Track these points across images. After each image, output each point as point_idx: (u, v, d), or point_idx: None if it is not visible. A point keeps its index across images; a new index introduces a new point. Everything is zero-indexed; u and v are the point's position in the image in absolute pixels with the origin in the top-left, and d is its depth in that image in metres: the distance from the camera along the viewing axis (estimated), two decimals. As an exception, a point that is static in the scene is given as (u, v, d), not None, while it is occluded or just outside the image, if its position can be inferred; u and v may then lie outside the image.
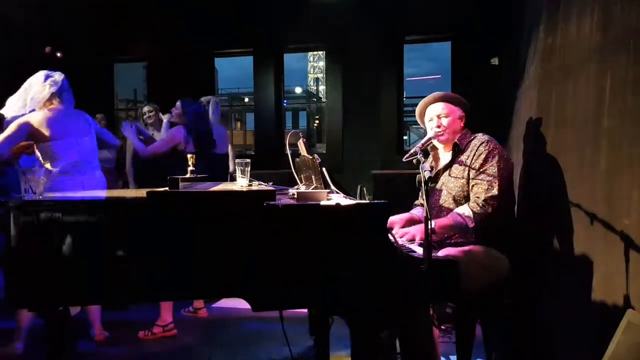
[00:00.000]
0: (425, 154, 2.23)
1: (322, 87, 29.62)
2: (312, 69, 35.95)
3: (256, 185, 1.92)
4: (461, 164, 2.10)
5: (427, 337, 1.93)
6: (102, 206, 1.75)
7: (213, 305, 3.73)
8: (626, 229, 1.39)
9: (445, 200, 2.13)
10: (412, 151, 1.91)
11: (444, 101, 2.19)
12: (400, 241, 1.83)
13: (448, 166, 2.16)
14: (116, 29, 6.23)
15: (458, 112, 2.19)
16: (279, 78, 6.47)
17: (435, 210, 2.14)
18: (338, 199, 1.73)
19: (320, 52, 13.92)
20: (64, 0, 5.53)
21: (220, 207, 1.57)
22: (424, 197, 1.62)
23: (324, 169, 1.70)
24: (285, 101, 7.24)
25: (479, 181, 2.03)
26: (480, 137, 2.13)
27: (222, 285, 1.58)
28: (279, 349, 2.73)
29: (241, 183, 1.86)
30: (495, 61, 4.92)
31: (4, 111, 2.70)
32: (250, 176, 1.89)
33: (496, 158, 2.04)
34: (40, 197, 1.61)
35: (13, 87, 2.75)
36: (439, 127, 2.14)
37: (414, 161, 1.82)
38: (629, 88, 1.42)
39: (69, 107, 2.78)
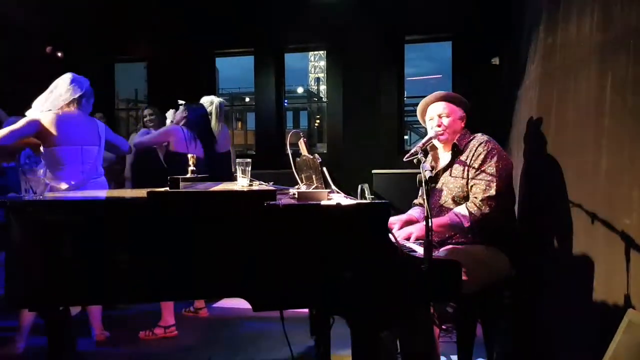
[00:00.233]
0: (426, 154, 2.23)
1: (323, 87, 29.63)
2: (313, 69, 35.95)
3: (257, 185, 1.92)
4: (461, 164, 2.10)
5: (427, 337, 1.93)
6: (103, 206, 1.75)
7: (214, 305, 3.73)
8: (627, 228, 1.39)
9: (446, 200, 2.13)
10: (412, 151, 1.91)
11: (446, 101, 2.19)
12: (400, 241, 1.83)
13: (448, 166, 2.16)
14: (117, 29, 6.23)
15: (459, 112, 2.19)
16: (279, 78, 6.47)
17: (436, 210, 2.14)
18: (339, 198, 1.73)
19: (321, 52, 13.93)
20: (65, 0, 5.54)
21: (220, 207, 1.57)
22: (425, 197, 1.62)
23: (324, 168, 1.70)
24: (286, 101, 7.24)
25: (477, 181, 2.03)
26: (480, 137, 2.13)
27: (222, 285, 1.58)
28: (280, 349, 2.73)
29: (242, 183, 1.86)
30: (495, 61, 4.92)
31: (30, 112, 2.69)
32: (251, 176, 1.89)
33: (495, 158, 2.03)
34: (41, 197, 1.61)
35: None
36: (439, 126, 2.15)
37: (415, 161, 1.82)
38: (629, 88, 1.42)
39: (84, 114, 2.77)
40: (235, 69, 14.45)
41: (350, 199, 1.77)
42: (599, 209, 1.60)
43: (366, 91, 5.91)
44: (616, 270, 1.43)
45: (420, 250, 1.75)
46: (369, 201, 1.68)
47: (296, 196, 1.66)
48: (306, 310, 2.36)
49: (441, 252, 1.95)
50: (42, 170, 2.86)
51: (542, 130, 2.36)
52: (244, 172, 1.86)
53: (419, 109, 2.28)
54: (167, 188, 1.71)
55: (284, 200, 1.66)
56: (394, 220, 2.19)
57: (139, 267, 1.54)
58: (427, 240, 1.53)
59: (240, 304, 1.57)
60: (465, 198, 2.07)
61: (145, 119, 4.20)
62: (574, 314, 1.80)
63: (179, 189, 1.71)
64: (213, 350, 2.88)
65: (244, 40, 6.39)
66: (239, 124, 26.84)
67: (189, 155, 2.02)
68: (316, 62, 34.83)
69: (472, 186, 2.05)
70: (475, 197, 2.01)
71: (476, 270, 1.82)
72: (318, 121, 26.95)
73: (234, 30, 6.16)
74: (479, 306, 2.01)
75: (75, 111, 2.72)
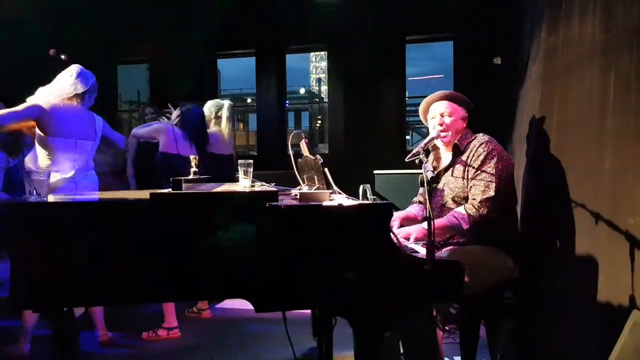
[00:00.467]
0: (428, 154, 2.22)
1: (324, 88, 29.62)
2: (314, 69, 35.93)
3: (259, 186, 1.92)
4: (462, 164, 2.10)
5: (430, 338, 1.92)
6: (107, 208, 1.75)
7: (217, 306, 3.73)
8: (631, 228, 1.38)
9: (447, 200, 2.12)
10: (414, 151, 1.90)
11: (449, 100, 2.19)
12: (402, 242, 1.83)
13: (450, 166, 2.15)
14: (119, 31, 6.25)
15: (461, 112, 2.18)
16: (281, 78, 6.47)
17: (437, 210, 2.13)
18: (340, 199, 1.72)
19: (323, 53, 13.93)
20: (65, 0, 5.55)
21: (222, 208, 1.57)
22: (427, 197, 1.61)
23: (326, 169, 1.70)
24: (287, 102, 7.25)
25: (476, 182, 2.02)
26: (481, 137, 2.12)
27: (225, 286, 1.58)
28: (282, 350, 2.72)
29: (244, 184, 1.86)
30: (497, 60, 4.90)
31: (32, 99, 2.69)
32: (253, 177, 1.89)
33: (495, 159, 2.02)
34: (45, 198, 1.61)
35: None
36: (441, 124, 2.14)
37: (417, 161, 1.82)
38: (632, 86, 1.41)
39: (84, 109, 2.78)
40: (237, 70, 14.49)
41: (352, 199, 1.77)
42: (603, 209, 1.59)
43: (368, 91, 5.91)
44: (620, 271, 1.42)
45: (422, 251, 1.75)
46: (370, 202, 1.68)
47: (298, 197, 1.66)
48: (308, 311, 2.36)
49: (443, 252, 1.95)
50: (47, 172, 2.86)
51: (545, 129, 2.35)
52: (245, 173, 1.86)
53: (421, 107, 2.28)
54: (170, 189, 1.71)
55: (285, 201, 1.66)
56: (393, 217, 2.18)
57: (142, 268, 1.54)
58: (430, 241, 1.52)
59: (243, 304, 1.57)
60: (466, 198, 2.06)
61: (146, 117, 4.24)
62: (578, 315, 1.79)
63: (182, 190, 1.71)
64: (215, 351, 2.88)
65: (245, 42, 6.40)
66: (241, 125, 26.85)
67: (191, 157, 2.02)
68: (317, 63, 34.81)
69: (471, 187, 2.04)
70: (474, 199, 2.00)
71: (478, 271, 1.81)
72: (319, 122, 26.93)
73: (236, 31, 6.17)
74: (482, 307, 2.00)
75: (77, 105, 2.73)
